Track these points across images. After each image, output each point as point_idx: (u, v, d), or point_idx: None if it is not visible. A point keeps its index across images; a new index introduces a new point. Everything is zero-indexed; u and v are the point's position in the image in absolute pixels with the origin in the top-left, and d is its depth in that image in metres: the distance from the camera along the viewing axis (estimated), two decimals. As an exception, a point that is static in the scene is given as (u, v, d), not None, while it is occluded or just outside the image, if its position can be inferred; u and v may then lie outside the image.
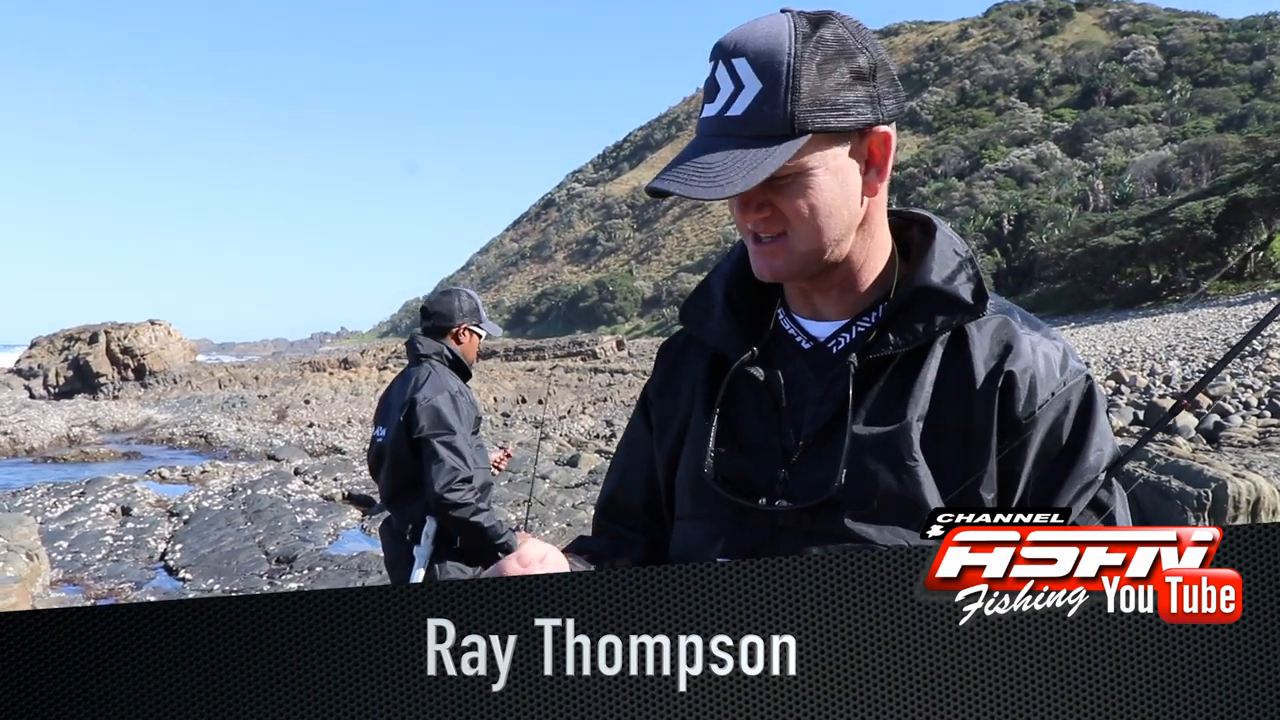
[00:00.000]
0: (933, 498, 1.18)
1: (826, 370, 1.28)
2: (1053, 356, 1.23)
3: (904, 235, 1.33)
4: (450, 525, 3.79)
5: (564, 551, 1.28)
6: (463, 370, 4.08)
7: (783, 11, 1.16)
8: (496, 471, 4.22)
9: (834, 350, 1.29)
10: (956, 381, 1.22)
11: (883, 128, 1.20)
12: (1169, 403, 12.23)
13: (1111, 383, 17.44)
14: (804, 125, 1.13)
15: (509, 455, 4.47)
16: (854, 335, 1.28)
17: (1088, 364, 1.22)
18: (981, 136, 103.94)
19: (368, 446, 4.28)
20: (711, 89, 1.17)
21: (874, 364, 1.24)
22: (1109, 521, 1.21)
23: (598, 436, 21.13)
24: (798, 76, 1.12)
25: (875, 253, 1.29)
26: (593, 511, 1.58)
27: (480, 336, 4.19)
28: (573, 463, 15.37)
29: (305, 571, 8.58)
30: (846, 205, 1.20)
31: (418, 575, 3.82)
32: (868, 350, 1.24)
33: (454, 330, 4.09)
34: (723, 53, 1.15)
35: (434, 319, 4.10)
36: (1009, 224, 68.64)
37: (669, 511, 1.41)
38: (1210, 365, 18.31)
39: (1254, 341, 21.19)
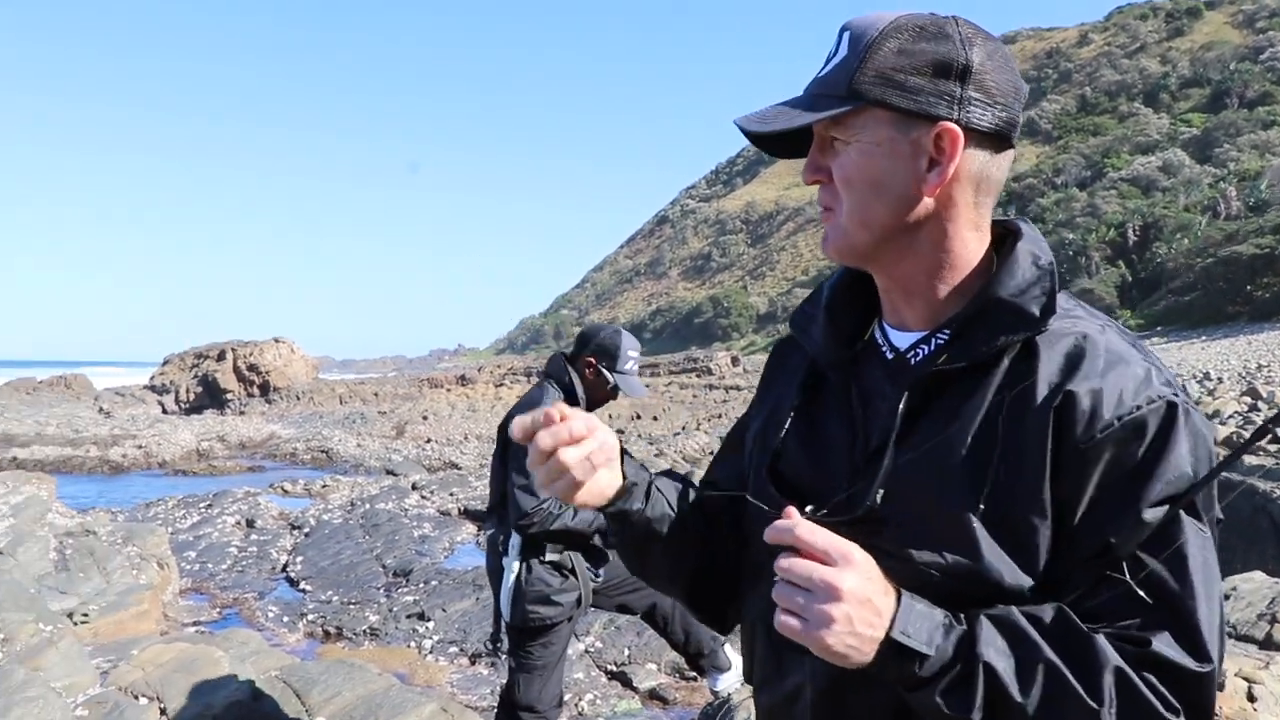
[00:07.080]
0: (977, 521, 1.10)
1: (900, 382, 1.22)
2: (1127, 377, 1.10)
3: (1002, 245, 1.26)
4: (545, 539, 3.81)
5: (660, 474, 1.40)
6: (573, 399, 3.83)
7: None
8: None
9: (912, 361, 1.24)
10: (1016, 400, 1.12)
11: (952, 125, 1.14)
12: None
13: (1247, 399, 16.49)
14: (862, 93, 1.14)
15: None
16: (932, 347, 1.23)
17: (1183, 388, 1.07)
18: (1103, 145, 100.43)
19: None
20: (827, 58, 1.21)
21: (938, 378, 1.17)
22: (1174, 559, 1.05)
23: (712, 453, 20.90)
24: (872, 50, 1.14)
25: (954, 261, 1.22)
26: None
27: (608, 382, 3.94)
28: (686, 479, 15.23)
29: (421, 585, 8.64)
30: (893, 191, 1.17)
31: (508, 584, 3.86)
32: (932, 363, 1.19)
33: (580, 358, 3.97)
34: (842, 27, 1.20)
35: (573, 343, 4.07)
36: (1134, 234, 66.11)
37: None
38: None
39: None
